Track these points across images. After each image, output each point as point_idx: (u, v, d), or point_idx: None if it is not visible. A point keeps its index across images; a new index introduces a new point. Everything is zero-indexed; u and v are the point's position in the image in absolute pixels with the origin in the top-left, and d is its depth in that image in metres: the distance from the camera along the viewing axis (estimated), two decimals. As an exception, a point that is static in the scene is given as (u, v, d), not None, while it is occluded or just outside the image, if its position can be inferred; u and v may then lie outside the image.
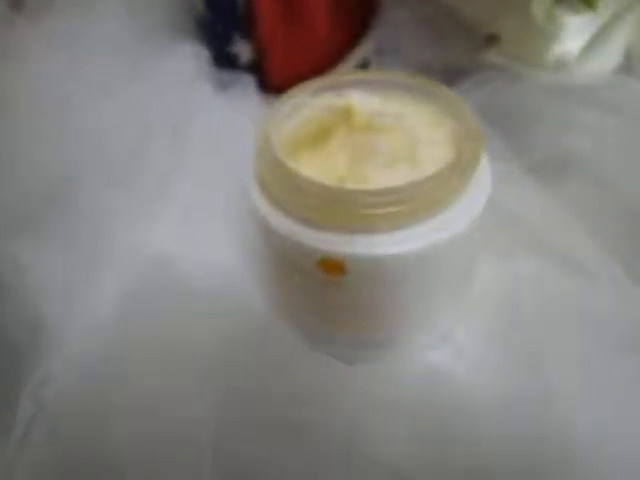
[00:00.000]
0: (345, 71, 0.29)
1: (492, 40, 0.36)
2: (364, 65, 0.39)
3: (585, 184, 0.32)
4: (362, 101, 0.29)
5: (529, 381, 0.27)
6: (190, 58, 0.37)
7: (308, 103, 0.29)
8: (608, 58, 0.33)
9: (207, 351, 0.29)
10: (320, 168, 0.27)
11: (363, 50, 0.39)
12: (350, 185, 0.26)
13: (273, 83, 0.38)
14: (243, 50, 0.37)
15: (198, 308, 0.30)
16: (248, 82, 0.37)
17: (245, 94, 0.37)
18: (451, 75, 0.38)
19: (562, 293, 0.28)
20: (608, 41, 0.33)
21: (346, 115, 0.28)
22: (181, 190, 0.33)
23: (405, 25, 0.39)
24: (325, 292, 0.26)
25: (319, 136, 0.28)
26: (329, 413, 0.27)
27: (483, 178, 0.26)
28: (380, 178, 0.26)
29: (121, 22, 0.38)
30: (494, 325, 0.29)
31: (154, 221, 0.32)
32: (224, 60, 0.38)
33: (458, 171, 0.25)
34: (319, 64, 0.38)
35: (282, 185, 0.25)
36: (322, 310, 0.28)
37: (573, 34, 0.32)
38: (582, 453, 0.25)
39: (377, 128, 0.28)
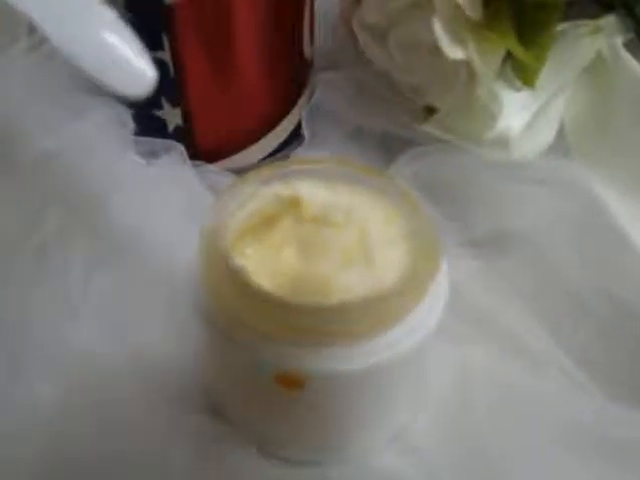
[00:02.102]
0: (293, 159, 0.28)
1: (430, 111, 0.35)
2: (296, 129, 0.38)
3: (526, 263, 0.32)
4: (310, 192, 0.27)
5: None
6: (113, 123, 0.34)
7: (255, 194, 0.27)
8: (545, 135, 0.34)
9: (143, 447, 0.27)
10: (267, 264, 0.25)
11: (296, 114, 0.37)
12: (305, 289, 0.24)
13: (203, 150, 0.36)
14: (171, 115, 0.35)
15: (133, 402, 0.28)
16: (175, 149, 0.35)
17: (176, 164, 0.34)
18: (385, 142, 0.38)
19: (513, 385, 0.28)
20: (545, 119, 0.33)
21: (293, 206, 0.27)
22: (112, 278, 0.30)
23: (339, 87, 0.38)
24: (279, 403, 0.25)
25: (263, 227, 0.27)
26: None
27: (442, 279, 0.25)
28: (337, 281, 0.24)
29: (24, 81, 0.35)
30: (446, 419, 0.28)
31: (79, 317, 0.29)
32: (150, 126, 0.35)
33: (419, 279, 0.24)
34: (251, 130, 0.36)
35: (234, 293, 0.24)
36: (273, 418, 0.26)
37: (514, 112, 0.32)
38: None
39: (327, 223, 0.26)
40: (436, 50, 0.31)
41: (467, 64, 0.31)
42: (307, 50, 0.37)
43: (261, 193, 0.27)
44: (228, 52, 0.33)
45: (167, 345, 0.29)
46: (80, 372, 0.28)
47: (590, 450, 0.26)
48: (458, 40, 0.30)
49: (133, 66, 0.22)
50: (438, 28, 0.30)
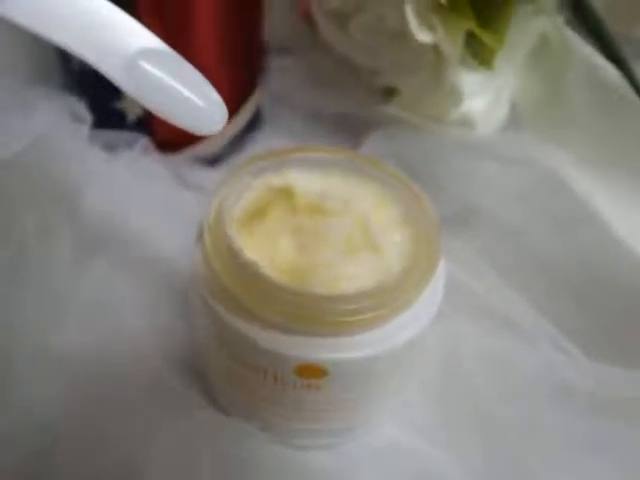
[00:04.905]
0: (284, 148, 0.28)
1: (389, 93, 0.36)
2: (257, 116, 0.38)
3: (496, 238, 0.34)
4: (303, 181, 0.27)
5: (483, 447, 0.28)
6: (67, 117, 0.32)
7: (249, 186, 0.27)
8: (500, 113, 0.35)
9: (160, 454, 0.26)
10: (266, 256, 0.25)
11: (255, 101, 0.37)
12: (311, 279, 0.24)
13: (163, 141, 0.35)
14: (132, 106, 0.33)
15: (137, 400, 0.27)
16: (139, 141, 0.34)
17: (142, 156, 0.33)
18: (344, 124, 0.38)
19: (501, 354, 0.30)
20: (500, 98, 0.35)
21: (286, 196, 0.27)
22: (92, 281, 0.29)
23: (296, 72, 0.38)
24: (295, 393, 0.25)
25: (257, 219, 0.26)
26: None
27: (442, 261, 0.26)
28: (343, 270, 0.25)
29: None
30: (441, 390, 0.29)
31: (65, 320, 0.28)
32: (109, 118, 0.33)
33: (425, 260, 0.25)
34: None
35: (246, 289, 0.24)
36: (287, 408, 0.26)
37: (475, 92, 0.34)
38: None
39: (324, 211, 0.26)
40: (401, 34, 0.31)
41: (433, 47, 0.32)
42: (263, 36, 0.36)
43: (254, 184, 0.27)
44: (186, 39, 0.33)
45: (167, 342, 0.28)
46: (76, 373, 0.27)
47: (578, 407, 0.28)
48: (427, 24, 0.31)
49: (203, 106, 0.21)
50: (409, 13, 0.30)
